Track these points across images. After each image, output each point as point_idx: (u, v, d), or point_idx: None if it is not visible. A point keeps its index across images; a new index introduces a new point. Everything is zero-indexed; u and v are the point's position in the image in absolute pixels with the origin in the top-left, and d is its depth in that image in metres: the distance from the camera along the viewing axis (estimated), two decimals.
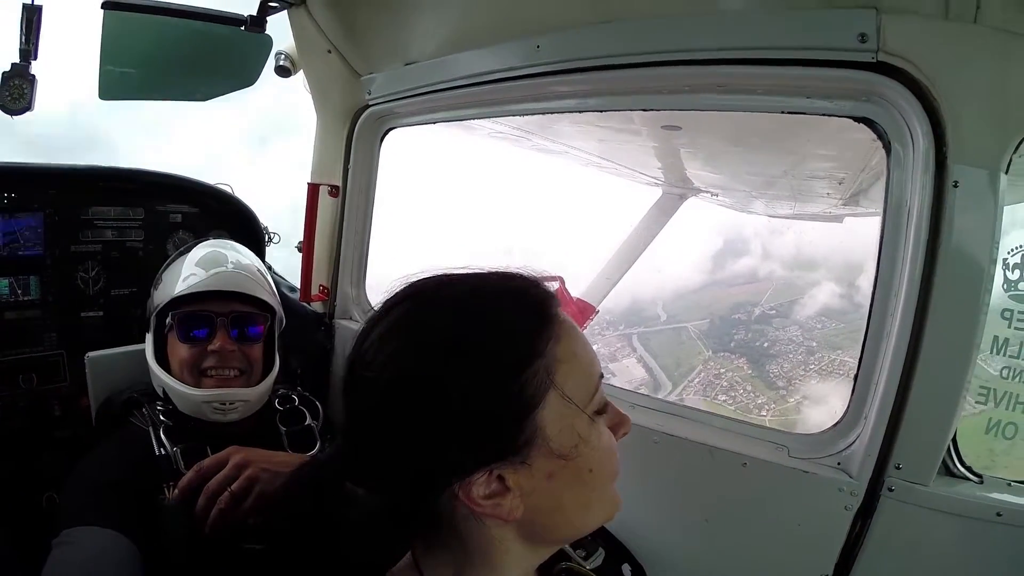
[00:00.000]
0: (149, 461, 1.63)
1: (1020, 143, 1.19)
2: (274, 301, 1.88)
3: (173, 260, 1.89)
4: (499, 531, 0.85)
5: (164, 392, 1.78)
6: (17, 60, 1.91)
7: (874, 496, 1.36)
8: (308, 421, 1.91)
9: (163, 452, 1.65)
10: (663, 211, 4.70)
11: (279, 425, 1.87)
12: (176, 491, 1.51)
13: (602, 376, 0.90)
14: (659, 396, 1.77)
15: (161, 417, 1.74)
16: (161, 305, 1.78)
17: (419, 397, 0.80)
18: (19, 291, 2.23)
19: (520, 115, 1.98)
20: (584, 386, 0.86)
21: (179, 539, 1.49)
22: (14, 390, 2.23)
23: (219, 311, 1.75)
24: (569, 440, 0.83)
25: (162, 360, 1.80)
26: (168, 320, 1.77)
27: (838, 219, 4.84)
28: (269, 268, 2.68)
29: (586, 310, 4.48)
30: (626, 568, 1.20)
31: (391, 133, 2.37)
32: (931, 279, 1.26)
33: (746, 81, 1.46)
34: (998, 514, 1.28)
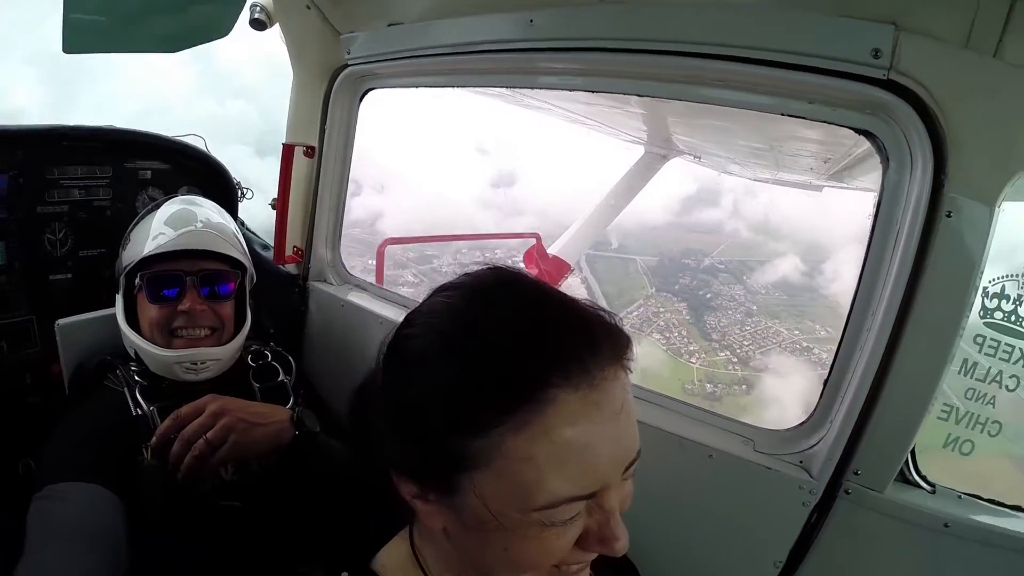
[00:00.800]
0: (126, 421, 1.62)
1: (1016, 178, 1.17)
2: (244, 258, 1.85)
3: (141, 219, 1.83)
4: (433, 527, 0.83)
5: (136, 353, 1.75)
6: None
7: (831, 496, 1.41)
8: (281, 377, 1.90)
9: (139, 412, 1.64)
10: (644, 170, 4.68)
11: (252, 381, 1.86)
12: (154, 438, 1.52)
13: (581, 499, 0.74)
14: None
15: (136, 378, 1.72)
16: (130, 265, 1.74)
17: (399, 392, 0.80)
18: None
19: (507, 87, 1.89)
20: (524, 494, 0.73)
21: (155, 497, 1.49)
22: None
23: (188, 270, 1.72)
24: (482, 517, 0.75)
25: (132, 321, 1.76)
26: (137, 281, 1.72)
27: (817, 188, 4.88)
28: (241, 224, 2.61)
29: (562, 267, 4.52)
30: None
31: (370, 93, 2.27)
32: (912, 298, 1.26)
33: (748, 79, 1.40)
34: (946, 525, 1.32)
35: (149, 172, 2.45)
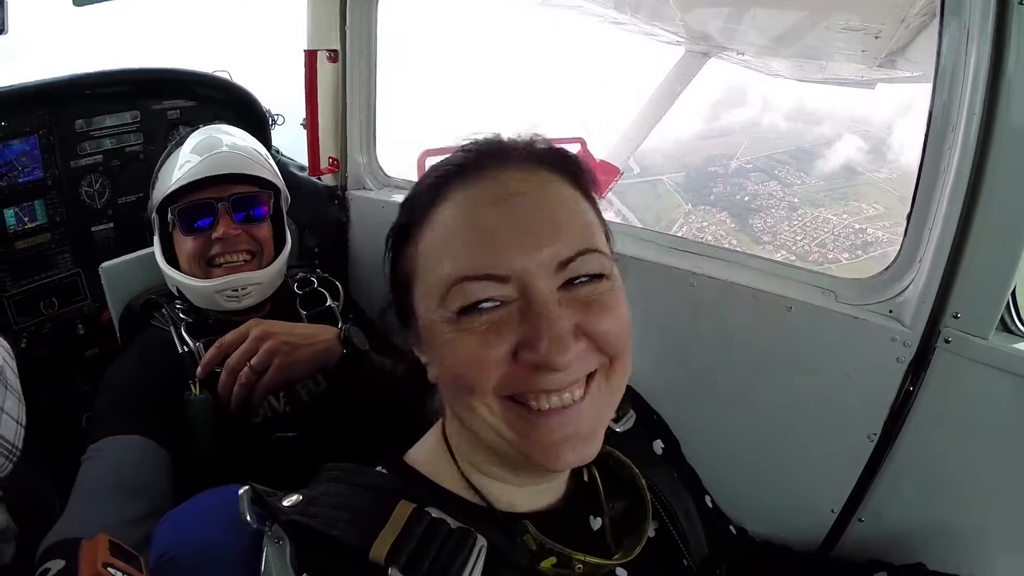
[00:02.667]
0: (173, 360, 1.61)
1: None
2: (275, 177, 1.80)
3: (168, 155, 1.79)
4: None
5: (179, 290, 1.73)
6: None
7: (928, 347, 1.29)
8: (329, 303, 1.87)
9: (186, 349, 1.63)
10: (686, 70, 4.51)
11: (299, 309, 1.84)
12: (199, 368, 1.50)
13: (472, 279, 0.73)
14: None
15: (181, 315, 1.70)
16: (159, 201, 1.70)
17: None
18: (25, 219, 2.16)
19: None
20: (431, 286, 0.77)
21: (207, 432, 1.49)
22: (37, 318, 2.21)
23: (219, 196, 1.67)
24: (421, 329, 0.82)
25: (171, 259, 1.74)
26: (169, 216, 1.69)
27: (870, 84, 4.60)
28: (276, 151, 2.60)
29: (609, 171, 4.43)
30: (657, 444, 1.14)
31: None
32: (993, 111, 1.13)
33: None
34: None
35: (177, 111, 2.44)
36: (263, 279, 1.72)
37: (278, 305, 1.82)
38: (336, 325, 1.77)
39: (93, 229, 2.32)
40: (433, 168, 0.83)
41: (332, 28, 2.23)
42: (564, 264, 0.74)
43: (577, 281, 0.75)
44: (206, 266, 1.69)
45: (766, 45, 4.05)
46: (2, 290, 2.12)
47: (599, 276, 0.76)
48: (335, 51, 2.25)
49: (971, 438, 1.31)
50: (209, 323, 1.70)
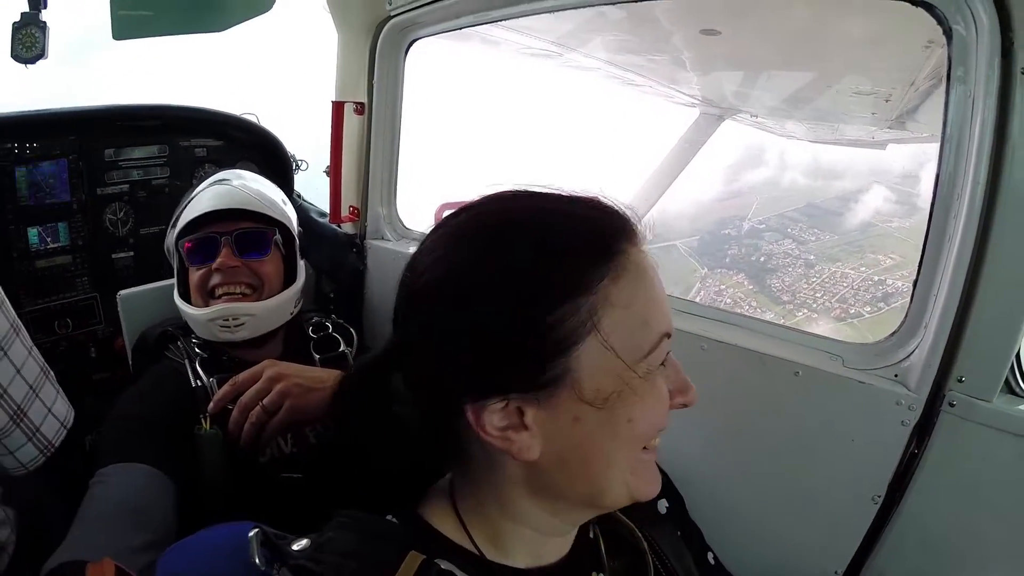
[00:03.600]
0: (185, 393, 1.63)
1: None
2: (282, 216, 1.85)
3: (186, 196, 1.87)
4: (510, 468, 0.80)
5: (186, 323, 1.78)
6: (27, 8, 1.85)
7: (933, 411, 1.29)
8: (342, 348, 1.89)
9: (199, 384, 1.65)
10: (700, 132, 4.59)
11: (313, 353, 1.86)
12: (211, 404, 1.51)
13: (668, 336, 0.79)
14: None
15: (196, 350, 1.73)
16: (173, 240, 1.79)
17: (445, 305, 0.77)
18: (48, 239, 2.23)
19: (552, 11, 1.86)
20: (638, 339, 0.76)
21: (215, 468, 1.49)
22: (51, 336, 2.26)
23: (223, 231, 1.74)
24: (608, 387, 0.74)
25: (185, 292, 1.81)
26: (179, 250, 1.78)
27: (881, 145, 4.67)
28: (299, 196, 2.67)
29: None
30: (662, 504, 1.12)
31: (416, 46, 2.28)
32: (998, 178, 1.16)
33: None
34: None
35: (204, 149, 2.52)
36: (257, 311, 1.74)
37: (291, 347, 1.85)
38: (349, 370, 1.80)
39: (113, 256, 2.39)
40: (568, 200, 0.82)
41: (360, 81, 2.32)
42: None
43: None
44: (207, 296, 1.74)
45: (779, 108, 4.14)
46: (18, 306, 2.17)
47: None
48: (362, 104, 2.34)
49: (975, 500, 1.31)
50: (223, 360, 1.72)
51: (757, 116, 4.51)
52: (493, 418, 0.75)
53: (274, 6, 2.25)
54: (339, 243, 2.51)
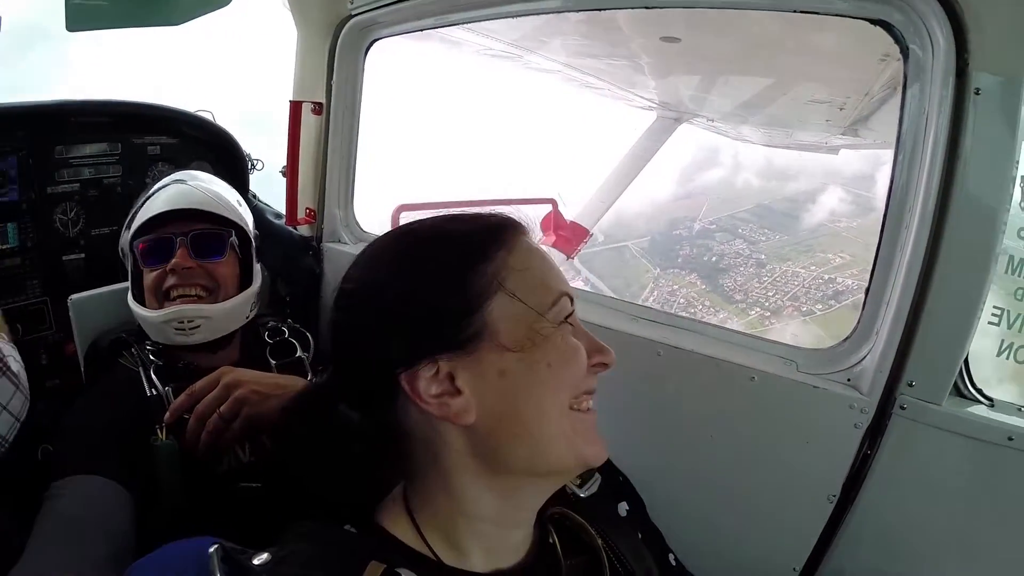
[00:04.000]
0: (140, 402, 1.57)
1: None
2: (238, 218, 1.80)
3: (140, 197, 1.81)
4: (453, 440, 0.85)
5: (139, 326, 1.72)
6: None
7: (885, 414, 1.34)
8: (299, 353, 1.86)
9: (154, 392, 1.59)
10: (657, 135, 4.64)
11: (269, 358, 1.82)
12: (167, 414, 1.46)
13: (568, 296, 0.88)
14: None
15: (151, 357, 1.68)
16: (128, 241, 1.73)
17: (370, 298, 0.88)
18: None
19: (514, 16, 1.86)
20: (540, 294, 0.86)
21: (172, 479, 1.45)
22: None
23: (178, 232, 1.69)
24: (522, 334, 0.83)
25: (139, 295, 1.74)
26: (132, 251, 1.72)
27: (834, 151, 4.81)
28: (253, 196, 2.61)
29: (579, 232, 4.51)
30: (622, 507, 1.16)
31: (375, 46, 2.26)
32: (949, 190, 1.22)
33: None
34: (1009, 438, 1.25)
35: (158, 147, 2.42)
36: (213, 313, 1.69)
37: (247, 352, 1.81)
38: (306, 376, 1.77)
39: (64, 258, 2.26)
40: (470, 215, 0.94)
41: (319, 81, 2.28)
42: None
43: None
44: (161, 298, 1.68)
45: (735, 113, 4.22)
46: None
47: None
48: (320, 103, 2.30)
49: (926, 497, 1.36)
50: (178, 367, 1.67)
51: (713, 120, 4.59)
52: (428, 386, 0.82)
53: (232, 1, 2.19)
54: (295, 245, 2.46)
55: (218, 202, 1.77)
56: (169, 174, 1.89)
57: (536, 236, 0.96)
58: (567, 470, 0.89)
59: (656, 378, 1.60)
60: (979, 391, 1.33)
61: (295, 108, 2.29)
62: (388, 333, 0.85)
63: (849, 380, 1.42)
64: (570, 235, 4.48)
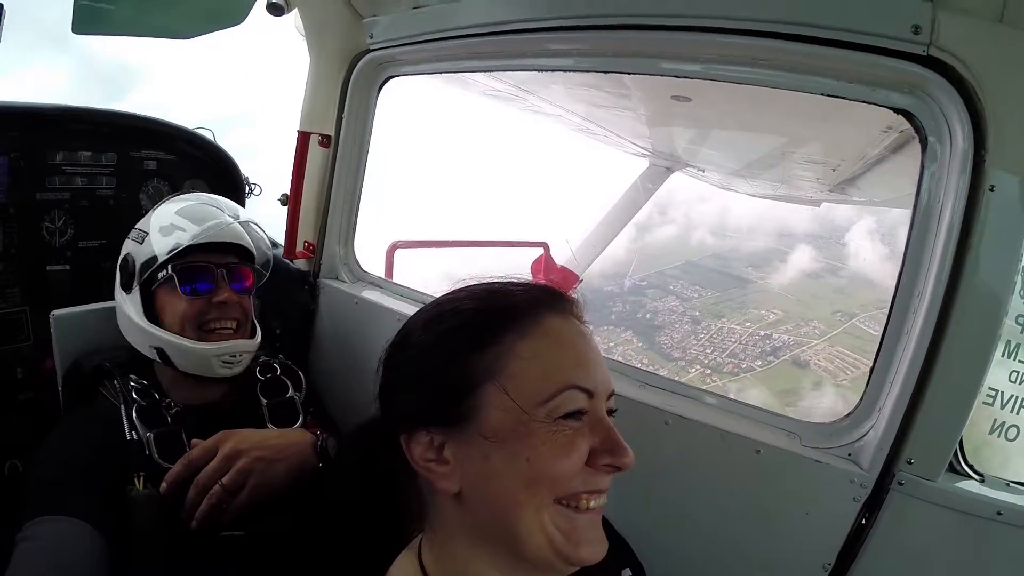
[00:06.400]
0: (119, 446, 1.52)
1: None
2: (266, 261, 1.84)
3: (157, 211, 1.76)
4: (444, 505, 0.91)
5: (159, 352, 1.66)
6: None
7: (883, 488, 1.36)
8: (290, 393, 1.82)
9: (134, 437, 1.54)
10: (649, 183, 4.70)
11: (260, 396, 1.78)
12: (165, 485, 1.43)
13: (581, 389, 0.88)
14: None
15: (134, 395, 1.62)
16: (161, 258, 1.65)
17: (397, 356, 0.97)
18: None
19: (538, 70, 1.88)
20: (537, 386, 0.86)
21: (148, 530, 1.41)
22: None
23: (218, 262, 1.69)
24: (507, 424, 0.85)
25: (153, 317, 1.69)
26: (163, 273, 1.65)
27: (816, 203, 4.92)
28: None
29: (570, 278, 4.51)
30: (626, 573, 1.18)
31: (389, 82, 2.24)
32: (958, 280, 1.24)
33: (784, 57, 1.40)
34: (999, 513, 1.29)
35: (154, 162, 2.40)
36: (252, 348, 1.74)
37: (238, 389, 1.77)
38: (297, 417, 1.76)
39: (48, 268, 2.21)
40: (515, 284, 0.98)
41: (329, 113, 2.26)
42: (610, 396, 0.93)
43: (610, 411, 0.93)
44: (198, 330, 1.66)
45: (727, 165, 4.29)
46: None
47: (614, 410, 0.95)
48: (328, 136, 2.27)
49: (918, 570, 1.39)
50: (162, 410, 1.61)
51: (704, 171, 4.66)
52: (419, 449, 0.89)
53: (244, 20, 2.18)
54: (290, 278, 2.41)
55: (262, 240, 1.81)
56: (164, 191, 1.87)
57: (576, 313, 0.98)
58: (548, 563, 0.87)
59: (664, 447, 1.60)
60: (971, 467, 1.36)
61: (302, 139, 2.27)
62: (400, 393, 0.95)
63: (850, 455, 1.44)
64: (560, 281, 4.47)
